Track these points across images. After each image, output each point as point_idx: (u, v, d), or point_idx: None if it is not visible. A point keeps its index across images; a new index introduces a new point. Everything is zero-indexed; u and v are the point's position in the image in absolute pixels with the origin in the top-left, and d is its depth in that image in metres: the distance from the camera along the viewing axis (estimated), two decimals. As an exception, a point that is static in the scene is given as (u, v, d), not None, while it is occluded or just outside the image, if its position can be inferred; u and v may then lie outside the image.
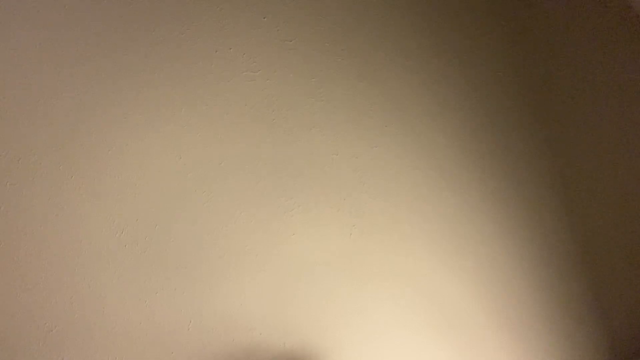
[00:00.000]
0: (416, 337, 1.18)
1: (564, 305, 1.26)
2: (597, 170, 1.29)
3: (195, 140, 1.07)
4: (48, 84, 0.99)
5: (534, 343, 1.25)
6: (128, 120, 1.03)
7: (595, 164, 1.29)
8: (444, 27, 1.21)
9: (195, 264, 1.06)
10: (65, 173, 1.00)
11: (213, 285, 1.07)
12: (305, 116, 1.13)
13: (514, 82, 1.25)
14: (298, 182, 1.13)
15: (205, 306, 1.06)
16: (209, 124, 1.07)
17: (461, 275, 1.21)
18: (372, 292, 1.16)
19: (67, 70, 1.00)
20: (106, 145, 1.02)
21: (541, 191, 1.26)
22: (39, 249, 0.99)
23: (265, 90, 1.11)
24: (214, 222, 1.07)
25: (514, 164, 1.24)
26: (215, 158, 1.08)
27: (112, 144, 1.03)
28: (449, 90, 1.21)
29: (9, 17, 0.97)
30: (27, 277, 0.98)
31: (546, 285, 1.26)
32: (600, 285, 1.29)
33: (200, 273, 1.06)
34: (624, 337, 1.30)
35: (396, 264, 1.18)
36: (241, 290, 1.09)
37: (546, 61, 1.27)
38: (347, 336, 1.14)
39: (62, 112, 1.00)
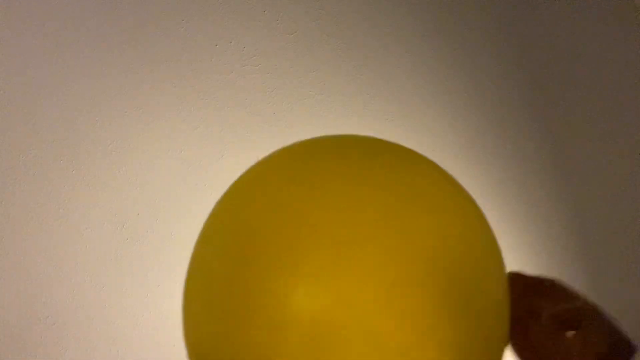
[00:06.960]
0: None
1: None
2: (601, 167, 1.28)
3: (195, 134, 1.06)
4: (48, 79, 0.99)
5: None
6: (128, 115, 1.03)
7: (599, 160, 1.28)
8: (446, 18, 1.20)
9: (196, 258, 1.06)
10: (66, 168, 1.01)
11: (214, 279, 1.07)
12: (306, 109, 1.13)
13: (518, 72, 1.24)
14: (299, 176, 1.12)
15: (207, 300, 1.06)
16: (209, 117, 1.07)
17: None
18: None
19: (66, 65, 1.00)
20: (106, 140, 1.02)
21: (544, 183, 1.25)
22: (40, 243, 0.99)
23: (265, 83, 1.10)
24: (215, 215, 1.07)
25: (517, 154, 1.23)
26: (215, 152, 1.08)
27: (112, 138, 1.03)
28: (452, 81, 1.20)
29: (6, 11, 0.97)
30: (29, 271, 0.99)
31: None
32: (602, 283, 1.27)
33: (201, 267, 1.06)
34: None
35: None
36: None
37: (551, 51, 1.26)
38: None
39: (62, 107, 1.00)
